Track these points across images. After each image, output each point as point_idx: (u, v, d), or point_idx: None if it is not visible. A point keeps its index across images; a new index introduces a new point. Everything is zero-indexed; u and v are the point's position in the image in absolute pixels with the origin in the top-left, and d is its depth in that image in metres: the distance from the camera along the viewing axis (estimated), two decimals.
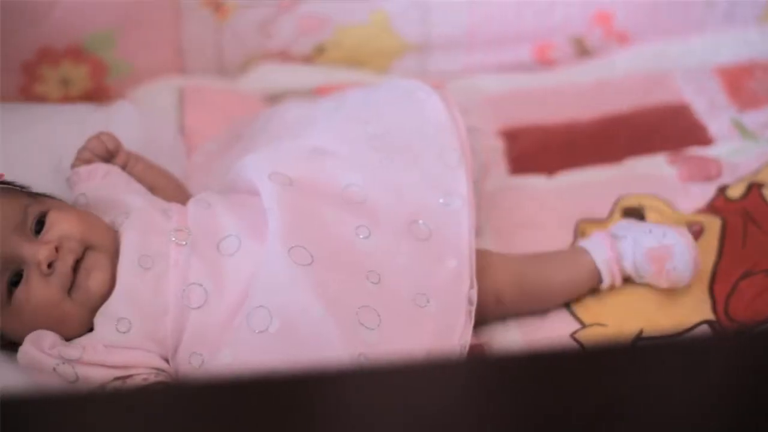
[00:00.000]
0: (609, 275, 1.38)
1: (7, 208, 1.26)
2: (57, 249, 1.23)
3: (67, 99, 1.73)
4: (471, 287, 1.27)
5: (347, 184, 1.31)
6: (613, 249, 1.38)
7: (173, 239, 1.27)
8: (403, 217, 1.29)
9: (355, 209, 1.29)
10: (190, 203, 1.34)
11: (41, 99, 1.72)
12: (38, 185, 1.37)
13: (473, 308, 1.26)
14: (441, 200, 1.32)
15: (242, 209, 1.31)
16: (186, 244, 1.26)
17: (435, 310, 1.24)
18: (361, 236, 1.26)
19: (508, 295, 1.34)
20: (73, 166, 1.41)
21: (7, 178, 1.36)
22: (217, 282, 1.24)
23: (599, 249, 1.38)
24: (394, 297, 1.23)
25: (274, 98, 1.72)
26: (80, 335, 1.24)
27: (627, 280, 1.40)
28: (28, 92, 1.71)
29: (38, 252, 1.22)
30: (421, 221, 1.29)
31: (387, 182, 1.32)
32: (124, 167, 1.42)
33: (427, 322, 1.23)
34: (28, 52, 1.67)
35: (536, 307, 1.37)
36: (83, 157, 1.41)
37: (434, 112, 1.39)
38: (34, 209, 1.26)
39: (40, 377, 1.21)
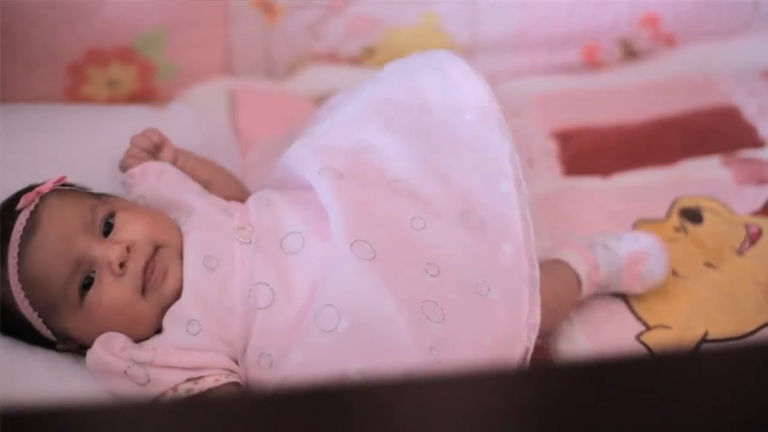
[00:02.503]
0: (589, 285, 1.36)
1: (75, 209, 1.25)
2: (128, 249, 1.22)
3: (113, 100, 1.73)
4: (532, 266, 1.24)
5: (395, 174, 1.29)
6: (589, 255, 1.37)
7: (237, 238, 1.25)
8: (455, 206, 1.27)
9: (406, 200, 1.26)
10: (250, 200, 1.32)
11: (87, 100, 1.72)
12: (97, 187, 1.37)
13: (536, 289, 1.23)
14: (490, 184, 1.29)
15: (301, 205, 1.29)
16: (250, 242, 1.25)
17: (498, 296, 1.21)
18: (416, 228, 1.24)
19: None
20: (122, 163, 1.40)
21: (68, 180, 1.35)
22: (282, 281, 1.22)
23: (577, 258, 1.36)
24: (455, 288, 1.21)
25: (324, 100, 1.71)
26: (148, 337, 1.23)
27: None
28: (74, 93, 1.70)
29: (109, 252, 1.21)
30: (473, 209, 1.27)
31: (434, 171, 1.29)
32: (174, 162, 1.41)
33: (492, 309, 1.20)
34: (75, 53, 1.67)
35: (548, 329, 1.32)
36: (131, 154, 1.40)
37: (473, 92, 1.35)
38: (101, 210, 1.26)
39: (109, 380, 1.20)
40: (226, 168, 1.46)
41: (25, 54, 1.64)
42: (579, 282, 1.35)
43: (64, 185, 1.31)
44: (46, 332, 1.24)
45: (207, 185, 1.39)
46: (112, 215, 1.26)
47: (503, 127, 1.32)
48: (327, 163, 1.28)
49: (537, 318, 1.21)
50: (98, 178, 1.40)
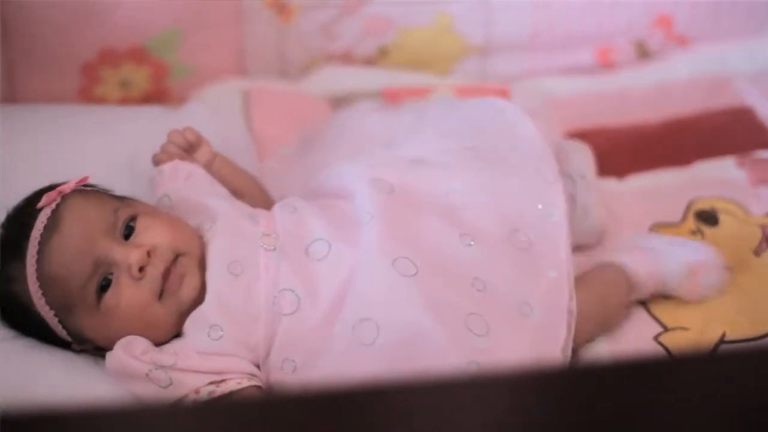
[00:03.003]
0: (646, 290, 1.37)
1: (97, 210, 1.25)
2: (149, 253, 1.21)
3: (126, 101, 1.72)
4: (570, 299, 1.26)
5: (448, 190, 1.31)
6: (649, 260, 1.37)
7: (262, 244, 1.25)
8: (504, 226, 1.29)
9: (457, 216, 1.28)
10: (276, 208, 1.33)
11: (100, 101, 1.72)
12: (113, 187, 1.36)
13: (573, 319, 1.25)
14: (540, 211, 1.31)
15: (329, 213, 1.30)
16: (275, 249, 1.25)
17: (539, 320, 1.23)
18: (464, 244, 1.26)
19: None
20: (155, 157, 1.40)
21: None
22: (308, 287, 1.23)
23: (638, 262, 1.36)
24: (500, 305, 1.22)
25: (338, 101, 1.71)
26: (167, 341, 1.23)
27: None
28: (87, 94, 1.70)
29: (130, 255, 1.21)
30: (521, 231, 1.29)
31: (487, 190, 1.31)
32: (209, 165, 1.41)
33: (529, 331, 1.22)
34: (88, 53, 1.66)
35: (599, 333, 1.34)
36: (166, 150, 1.40)
37: (527, 132, 1.39)
38: (123, 212, 1.26)
39: (130, 382, 1.20)
40: (258, 181, 1.47)
41: (38, 54, 1.64)
42: (631, 287, 1.35)
43: (86, 186, 1.31)
44: (62, 332, 1.24)
45: (239, 194, 1.39)
46: (134, 219, 1.25)
47: (555, 163, 1.35)
48: (379, 174, 1.30)
49: (570, 350, 1.24)
50: (114, 178, 1.39)
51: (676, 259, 1.36)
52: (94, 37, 1.65)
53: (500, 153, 1.37)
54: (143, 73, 1.70)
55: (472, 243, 1.26)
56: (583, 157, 1.48)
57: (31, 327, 1.25)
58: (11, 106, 1.63)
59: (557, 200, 1.31)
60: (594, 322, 1.31)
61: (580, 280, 1.31)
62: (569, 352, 1.24)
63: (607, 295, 1.34)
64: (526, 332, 1.22)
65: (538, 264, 1.27)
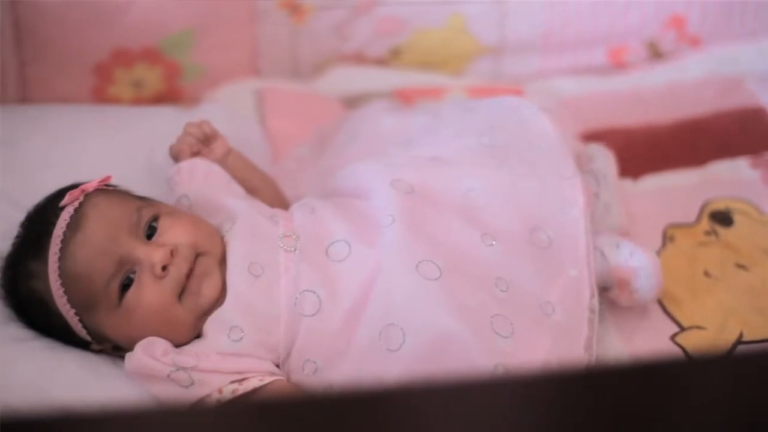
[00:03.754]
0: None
1: (120, 210, 1.25)
2: (172, 253, 1.21)
3: (138, 101, 1.72)
4: (592, 296, 1.26)
5: (468, 189, 1.31)
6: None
7: (282, 245, 1.25)
8: (524, 225, 1.29)
9: (477, 216, 1.28)
10: (294, 208, 1.33)
11: (112, 101, 1.71)
12: (131, 187, 1.36)
13: (596, 317, 1.25)
14: (559, 208, 1.31)
15: (347, 213, 1.30)
16: (295, 250, 1.25)
17: (560, 318, 1.23)
18: (486, 244, 1.26)
19: None
20: (172, 149, 1.40)
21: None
22: (329, 289, 1.23)
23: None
24: (523, 305, 1.22)
25: (351, 101, 1.71)
26: (187, 342, 1.23)
27: None
28: (100, 94, 1.70)
29: (153, 254, 1.21)
30: (541, 229, 1.29)
31: (506, 188, 1.31)
32: (224, 159, 1.41)
33: (551, 331, 1.22)
34: (101, 53, 1.66)
35: None
36: (183, 141, 1.40)
37: (543, 129, 1.39)
38: (146, 212, 1.26)
39: (150, 384, 1.20)
40: (271, 179, 1.47)
41: (51, 54, 1.64)
42: None
43: (107, 185, 1.31)
44: (81, 331, 1.24)
45: (253, 191, 1.40)
46: (156, 218, 1.26)
47: (573, 159, 1.36)
48: (399, 174, 1.30)
49: (595, 349, 1.24)
50: (131, 177, 1.39)
51: (608, 262, 1.34)
52: (107, 37, 1.64)
53: (517, 150, 1.37)
54: (156, 73, 1.70)
55: (493, 243, 1.26)
56: (605, 160, 1.48)
57: (49, 326, 1.25)
58: (26, 105, 1.63)
59: (576, 196, 1.31)
60: None
61: None
62: (594, 350, 1.24)
63: None
64: (549, 331, 1.22)
65: (559, 262, 1.27)
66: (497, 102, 1.47)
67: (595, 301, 1.26)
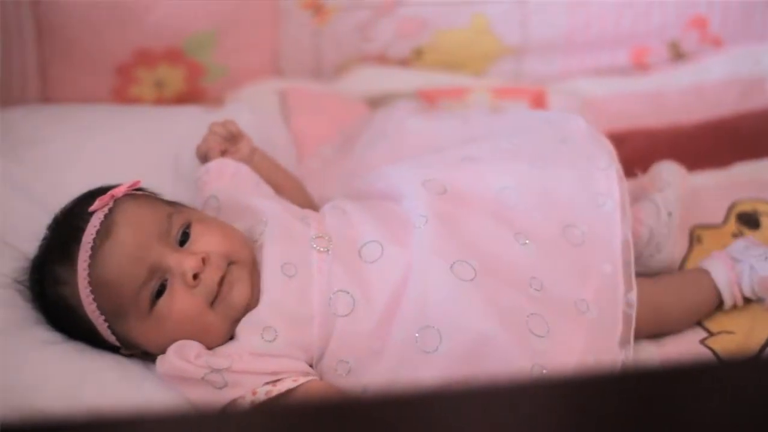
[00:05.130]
0: (731, 298, 1.36)
1: (151, 216, 1.24)
2: (203, 261, 1.21)
3: (160, 101, 1.72)
4: (629, 291, 1.25)
5: (501, 187, 1.30)
6: (733, 271, 1.36)
7: (314, 246, 1.25)
8: (558, 222, 1.28)
9: (510, 215, 1.28)
10: (325, 209, 1.33)
11: (134, 101, 1.71)
12: (158, 188, 1.36)
13: (633, 312, 1.24)
14: (593, 200, 1.30)
15: (379, 214, 1.30)
16: (328, 251, 1.25)
17: (595, 316, 1.23)
18: (520, 243, 1.25)
19: (643, 321, 1.29)
20: (199, 148, 1.40)
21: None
22: (363, 289, 1.23)
23: (721, 271, 1.36)
24: (557, 303, 1.22)
25: (373, 102, 1.71)
26: (219, 345, 1.23)
27: (747, 300, 1.39)
28: (121, 94, 1.70)
29: (185, 262, 1.20)
30: (574, 225, 1.28)
31: (539, 186, 1.31)
32: (250, 159, 1.40)
33: (586, 328, 1.21)
34: (124, 53, 1.66)
35: (666, 330, 1.35)
36: (209, 139, 1.39)
37: (575, 123, 1.39)
38: (177, 219, 1.25)
39: (182, 386, 1.19)
40: (297, 178, 1.47)
41: (73, 55, 1.64)
42: (718, 293, 1.35)
43: (136, 190, 1.30)
44: (110, 337, 1.23)
45: (279, 190, 1.39)
46: (188, 225, 1.25)
47: (609, 150, 1.34)
48: (431, 175, 1.29)
49: (631, 345, 1.23)
50: (157, 178, 1.39)
51: (754, 274, 1.35)
52: (129, 37, 1.64)
53: (550, 147, 1.36)
54: (178, 73, 1.70)
55: (527, 242, 1.26)
56: (676, 193, 1.44)
57: (77, 330, 1.25)
58: (48, 105, 1.62)
59: (611, 187, 1.30)
60: (672, 317, 1.34)
61: (664, 282, 1.34)
62: (630, 346, 1.23)
63: (689, 297, 1.35)
64: (584, 329, 1.21)
65: (592, 259, 1.27)
66: (524, 109, 1.47)
67: (633, 295, 1.25)
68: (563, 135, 1.38)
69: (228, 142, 1.41)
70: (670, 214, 1.41)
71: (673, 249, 1.41)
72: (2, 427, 0.73)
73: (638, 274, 1.30)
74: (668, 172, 1.46)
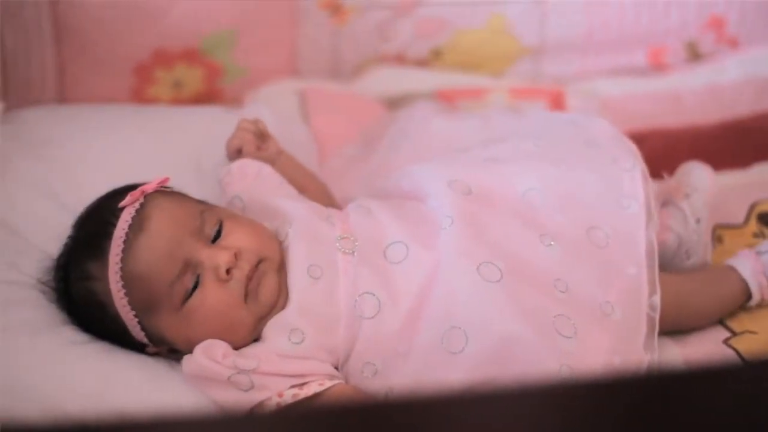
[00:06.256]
0: (758, 291, 1.36)
1: (184, 212, 1.24)
2: (235, 256, 1.21)
3: (178, 102, 1.72)
4: (653, 294, 1.25)
5: (527, 189, 1.30)
6: (759, 262, 1.36)
7: (339, 248, 1.25)
8: (582, 224, 1.28)
9: (535, 216, 1.28)
10: (350, 209, 1.32)
11: (152, 101, 1.71)
12: (182, 188, 1.35)
13: (656, 315, 1.24)
14: (617, 202, 1.30)
15: (401, 214, 1.29)
16: (353, 252, 1.25)
17: (619, 318, 1.23)
18: (545, 244, 1.25)
19: (667, 314, 1.28)
20: (229, 143, 1.39)
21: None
22: (389, 291, 1.22)
23: (747, 265, 1.37)
24: (583, 305, 1.22)
25: (391, 102, 1.71)
26: (245, 345, 1.23)
27: None
28: (139, 94, 1.70)
29: (217, 257, 1.20)
30: (599, 227, 1.28)
31: (564, 187, 1.31)
32: (277, 158, 1.40)
33: (611, 330, 1.21)
34: (142, 54, 1.66)
35: (692, 326, 1.35)
36: (239, 135, 1.39)
37: (599, 126, 1.39)
38: (211, 215, 1.25)
39: (208, 386, 1.19)
40: (319, 178, 1.47)
41: (91, 55, 1.64)
42: (747, 288, 1.35)
43: (164, 187, 1.30)
44: (139, 333, 1.23)
45: (303, 191, 1.39)
46: (220, 222, 1.25)
47: (634, 151, 1.35)
48: (456, 175, 1.29)
49: (656, 348, 1.23)
50: (180, 178, 1.37)
51: None
52: (148, 38, 1.64)
53: (574, 148, 1.36)
54: (196, 73, 1.70)
55: (552, 243, 1.26)
56: (704, 197, 1.43)
57: (103, 328, 1.24)
58: (67, 105, 1.62)
59: (636, 189, 1.30)
60: (696, 311, 1.34)
61: (690, 276, 1.34)
62: (654, 349, 1.23)
63: (713, 292, 1.35)
64: (609, 331, 1.21)
65: (617, 261, 1.26)
66: (546, 111, 1.47)
67: (656, 298, 1.25)
68: (587, 137, 1.38)
69: (259, 139, 1.41)
70: (698, 220, 1.40)
71: (704, 254, 1.40)
72: (2, 428, 0.73)
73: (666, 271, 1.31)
74: (696, 176, 1.45)
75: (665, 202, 1.42)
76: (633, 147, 1.36)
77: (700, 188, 1.43)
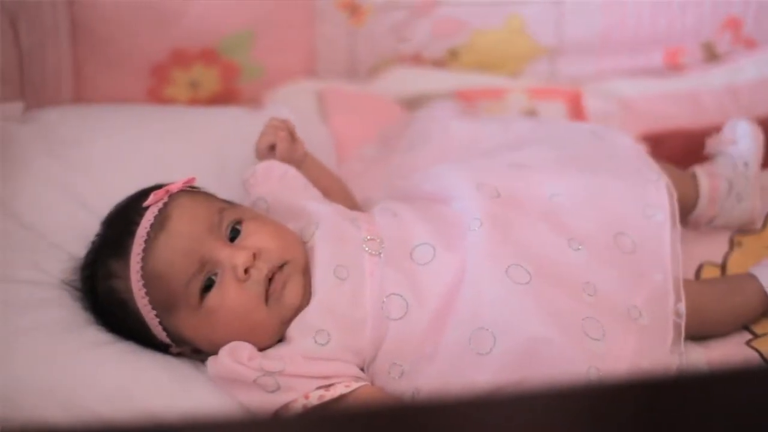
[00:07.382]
0: None
1: (204, 210, 1.24)
2: (254, 256, 1.21)
3: (195, 102, 1.72)
4: (678, 301, 1.26)
5: (552, 194, 1.30)
6: None
7: (366, 249, 1.25)
8: (609, 230, 1.29)
9: (562, 221, 1.28)
10: (376, 211, 1.32)
11: (169, 101, 1.71)
12: (204, 189, 1.35)
13: (682, 322, 1.24)
14: (642, 211, 1.31)
15: (427, 216, 1.30)
16: (379, 254, 1.25)
17: (646, 323, 1.23)
18: (573, 248, 1.25)
19: (688, 324, 1.28)
20: (260, 139, 1.39)
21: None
22: (416, 292, 1.22)
23: (766, 275, 1.36)
24: (611, 308, 1.22)
25: (409, 102, 1.71)
26: (268, 346, 1.22)
27: None
28: (156, 94, 1.70)
29: (235, 256, 1.20)
30: (625, 234, 1.29)
31: (590, 193, 1.31)
32: (304, 160, 1.40)
33: (637, 335, 1.22)
34: (159, 54, 1.66)
35: (712, 333, 1.35)
36: (276, 134, 1.38)
37: (620, 140, 1.41)
38: (229, 214, 1.25)
39: (234, 388, 1.19)
40: (343, 181, 1.47)
41: (108, 55, 1.64)
42: (765, 298, 1.35)
43: (191, 187, 1.30)
44: (161, 333, 1.23)
45: (326, 193, 1.39)
46: (239, 222, 1.25)
47: (657, 168, 1.36)
48: (484, 178, 1.29)
49: (680, 353, 1.24)
50: (202, 178, 1.37)
51: None
52: (165, 38, 1.64)
53: (598, 157, 1.37)
54: (213, 73, 1.69)
55: (580, 247, 1.26)
56: (752, 143, 1.47)
57: (128, 327, 1.25)
58: (89, 106, 1.62)
59: (661, 199, 1.31)
60: (716, 320, 1.34)
61: (710, 286, 1.34)
62: (681, 352, 1.24)
63: (732, 294, 1.35)
64: (636, 335, 1.22)
65: (643, 267, 1.27)
66: (565, 119, 1.48)
67: (681, 305, 1.25)
68: (609, 148, 1.39)
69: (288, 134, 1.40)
70: (746, 164, 1.44)
71: (755, 199, 1.44)
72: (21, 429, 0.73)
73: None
74: (741, 126, 1.49)
75: (715, 154, 1.48)
76: (656, 165, 1.37)
77: (744, 136, 1.47)
